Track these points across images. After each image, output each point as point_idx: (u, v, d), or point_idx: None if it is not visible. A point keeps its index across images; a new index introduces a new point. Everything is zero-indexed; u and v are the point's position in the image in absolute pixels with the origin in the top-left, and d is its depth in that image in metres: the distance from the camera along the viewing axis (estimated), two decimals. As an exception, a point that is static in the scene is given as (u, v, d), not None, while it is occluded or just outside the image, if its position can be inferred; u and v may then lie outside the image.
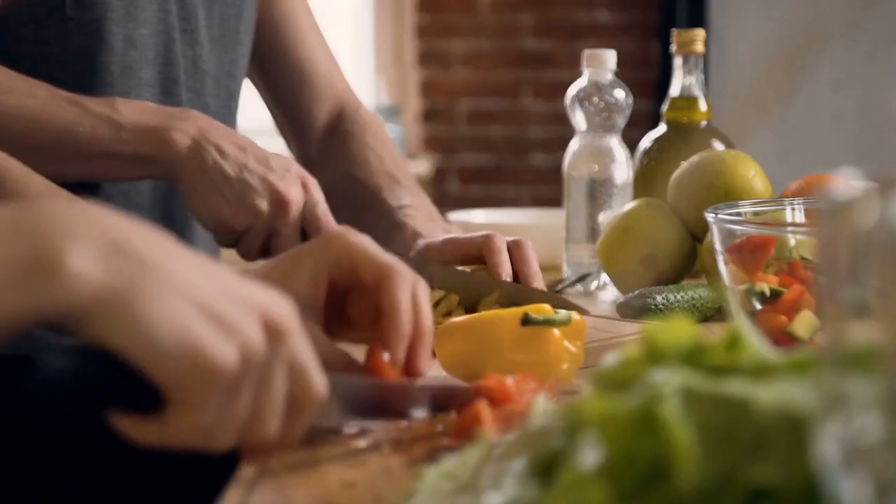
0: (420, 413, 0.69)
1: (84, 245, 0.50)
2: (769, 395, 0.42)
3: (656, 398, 0.42)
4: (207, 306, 0.52)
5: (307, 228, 1.06)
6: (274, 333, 0.54)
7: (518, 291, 1.01)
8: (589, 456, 0.43)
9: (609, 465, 0.42)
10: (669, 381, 0.43)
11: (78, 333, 0.51)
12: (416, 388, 0.69)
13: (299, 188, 1.04)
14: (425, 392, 0.69)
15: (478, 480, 0.52)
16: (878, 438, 0.36)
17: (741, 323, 0.48)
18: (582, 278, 1.27)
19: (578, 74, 1.32)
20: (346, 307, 0.72)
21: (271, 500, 0.57)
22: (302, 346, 0.56)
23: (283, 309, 0.55)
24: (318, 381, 0.57)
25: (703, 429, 0.42)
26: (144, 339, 0.50)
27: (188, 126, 1.02)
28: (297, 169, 1.06)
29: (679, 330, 0.48)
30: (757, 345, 0.47)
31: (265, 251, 1.08)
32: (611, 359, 0.50)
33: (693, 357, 0.47)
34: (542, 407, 0.56)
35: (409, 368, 0.69)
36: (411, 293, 0.69)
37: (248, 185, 1.02)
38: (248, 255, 1.08)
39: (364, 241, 0.70)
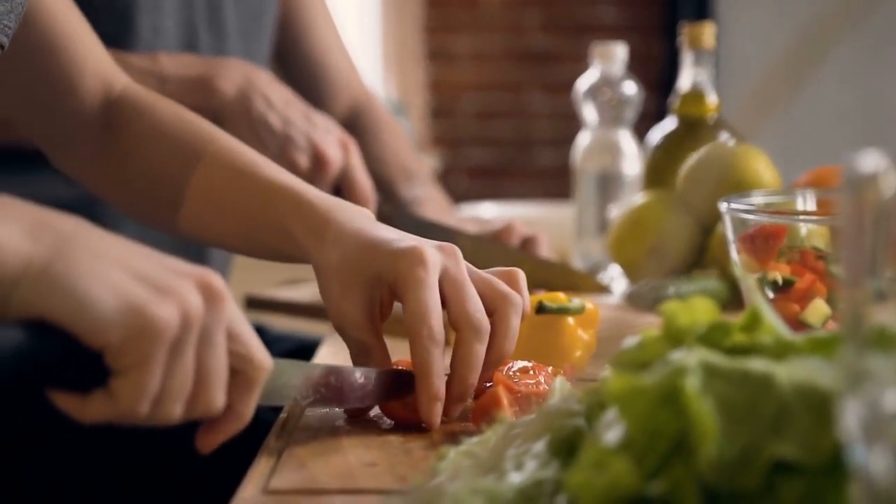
0: (367, 400, 0.67)
1: (7, 222, 0.50)
2: (790, 372, 0.43)
3: (678, 372, 0.42)
4: (140, 272, 0.52)
5: (343, 191, 1.07)
6: (210, 297, 0.54)
7: (544, 267, 1.03)
8: (612, 431, 0.44)
9: (631, 440, 0.43)
10: (691, 357, 0.44)
11: (9, 311, 0.50)
12: (362, 373, 0.67)
13: (339, 149, 1.05)
14: (371, 379, 0.67)
15: (501, 462, 0.52)
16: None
17: (760, 304, 0.48)
18: (592, 271, 1.28)
19: (584, 71, 1.33)
20: None
21: (294, 479, 0.58)
22: (239, 318, 0.56)
23: (216, 279, 0.55)
24: (260, 351, 0.57)
25: (724, 405, 0.42)
26: (81, 304, 0.50)
27: (234, 74, 1.03)
28: (338, 130, 1.07)
29: (698, 310, 0.49)
30: (776, 325, 0.48)
31: None
32: (630, 340, 0.50)
33: (713, 337, 0.48)
34: (560, 389, 0.57)
35: (426, 421, 0.67)
36: (458, 345, 0.67)
37: (290, 139, 1.03)
38: None
39: (418, 283, 0.66)
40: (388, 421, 0.68)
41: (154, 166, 0.82)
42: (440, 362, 0.66)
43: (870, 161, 0.33)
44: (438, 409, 0.66)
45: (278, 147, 1.02)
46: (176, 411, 0.54)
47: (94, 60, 0.83)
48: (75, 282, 0.50)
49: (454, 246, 0.69)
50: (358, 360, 0.69)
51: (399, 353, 0.71)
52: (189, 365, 0.53)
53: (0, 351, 0.50)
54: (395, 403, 0.68)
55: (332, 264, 0.69)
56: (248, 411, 0.57)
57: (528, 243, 1.04)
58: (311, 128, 1.04)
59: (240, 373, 0.56)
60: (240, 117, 1.02)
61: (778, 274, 0.84)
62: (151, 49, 1.08)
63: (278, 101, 1.03)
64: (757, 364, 0.44)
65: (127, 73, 1.01)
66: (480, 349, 0.67)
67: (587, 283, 1.11)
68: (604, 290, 1.13)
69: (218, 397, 0.55)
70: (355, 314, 0.68)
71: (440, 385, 0.66)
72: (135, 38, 1.06)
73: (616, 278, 1.25)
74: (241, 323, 0.56)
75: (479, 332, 0.67)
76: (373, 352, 0.69)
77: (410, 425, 0.67)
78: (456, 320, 0.67)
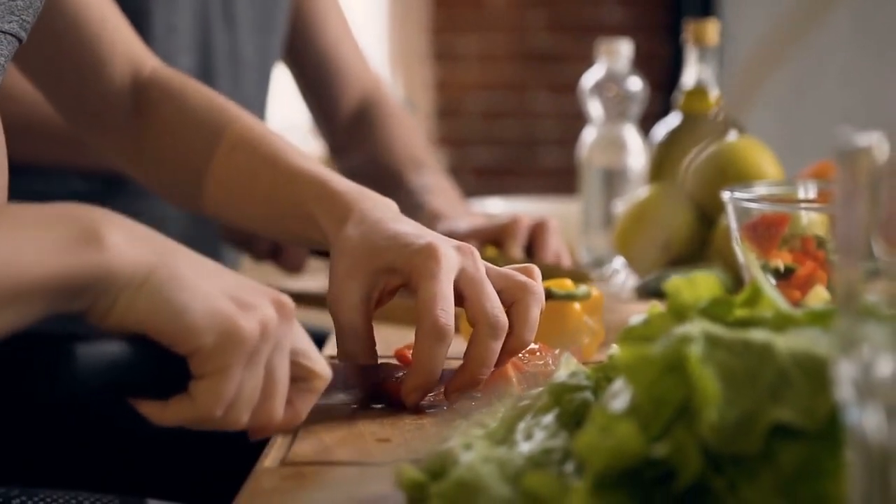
0: (343, 394, 0.69)
1: (117, 229, 0.54)
2: (789, 341, 0.45)
3: (682, 341, 0.44)
4: (227, 287, 0.57)
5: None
6: (283, 313, 0.58)
7: (550, 271, 1.04)
8: (619, 398, 0.46)
9: (637, 406, 0.45)
10: (694, 328, 0.46)
11: (110, 319, 0.54)
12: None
13: None
14: (343, 370, 0.69)
15: (511, 434, 0.55)
16: (888, 374, 0.39)
17: (760, 279, 0.51)
18: (598, 264, 1.30)
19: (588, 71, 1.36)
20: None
21: (311, 453, 0.60)
22: (303, 334, 0.61)
23: (288, 299, 0.59)
24: (322, 364, 0.61)
25: (726, 372, 0.44)
26: (179, 311, 0.54)
27: None
28: None
29: (701, 286, 0.51)
30: (776, 299, 0.50)
31: (274, 252, 1.14)
32: (637, 317, 0.53)
33: (715, 312, 0.50)
34: (567, 364, 0.59)
35: (407, 402, 0.69)
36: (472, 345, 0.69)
37: None
38: (258, 256, 1.14)
39: (434, 283, 0.67)
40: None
41: (181, 148, 0.84)
42: (439, 355, 0.67)
43: (863, 135, 0.35)
44: (421, 396, 0.68)
45: None
46: (244, 418, 0.58)
47: (122, 43, 0.85)
48: (176, 291, 0.54)
49: (471, 246, 0.71)
50: (342, 341, 0.71)
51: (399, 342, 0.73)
52: (261, 374, 0.57)
53: (97, 364, 0.53)
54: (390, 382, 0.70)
55: (348, 246, 0.71)
56: (305, 413, 0.61)
57: (538, 230, 1.06)
58: None
59: (301, 381, 0.61)
60: None
61: (780, 262, 0.86)
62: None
63: None
64: (757, 334, 0.46)
65: None
66: (496, 346, 0.68)
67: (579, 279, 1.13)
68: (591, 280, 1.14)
69: (281, 407, 0.59)
70: (353, 295, 0.70)
71: (431, 378, 0.67)
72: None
73: (621, 271, 1.27)
74: (305, 338, 0.61)
75: (496, 329, 0.68)
76: (359, 335, 0.71)
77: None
78: (474, 317, 0.68)
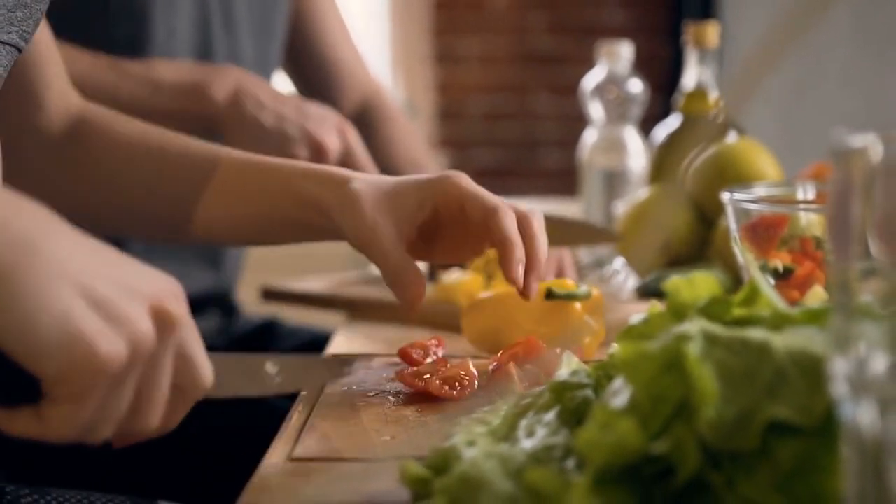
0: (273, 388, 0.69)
1: None
2: (786, 340, 0.46)
3: (681, 340, 0.45)
4: (94, 293, 0.48)
5: None
6: (163, 324, 0.50)
7: (562, 224, 1.06)
8: (619, 396, 0.47)
9: (637, 404, 0.46)
10: (693, 327, 0.47)
11: None
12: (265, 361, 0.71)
13: (335, 135, 1.08)
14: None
15: (513, 431, 0.56)
16: (881, 370, 0.39)
17: (758, 277, 0.51)
18: (598, 264, 1.31)
19: (589, 72, 1.36)
20: (436, 239, 0.78)
21: (316, 449, 0.61)
22: (191, 336, 0.53)
23: (174, 297, 0.51)
24: (206, 370, 0.54)
25: (724, 370, 0.45)
26: (23, 327, 0.46)
27: (225, 80, 1.06)
28: (334, 116, 1.09)
29: (700, 286, 0.52)
30: (773, 298, 0.51)
31: None
32: (637, 316, 0.53)
33: (714, 311, 0.51)
34: (568, 362, 0.60)
35: (522, 291, 0.74)
36: (519, 225, 0.75)
37: (285, 133, 1.05)
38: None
39: (473, 186, 0.75)
40: (404, 398, 0.71)
41: (122, 174, 0.83)
42: (515, 227, 0.74)
43: (858, 135, 0.36)
44: (522, 270, 0.74)
45: (276, 144, 1.05)
46: (107, 433, 0.51)
47: (59, 77, 0.84)
48: (20, 303, 0.46)
49: None
50: (393, 280, 0.74)
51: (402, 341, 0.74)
52: (128, 395, 0.51)
53: None
54: (410, 376, 0.72)
55: (361, 196, 0.74)
56: (175, 423, 0.55)
57: (520, 220, 1.07)
58: (304, 119, 1.06)
59: (179, 389, 0.54)
60: (234, 122, 1.05)
61: (779, 262, 0.86)
62: (166, 50, 1.11)
63: (268, 99, 1.05)
64: (755, 333, 0.47)
65: (123, 80, 1.04)
66: (543, 233, 0.76)
67: (602, 234, 1.15)
68: (610, 237, 1.16)
69: (154, 421, 0.53)
70: (388, 234, 0.73)
71: (521, 249, 0.74)
72: (149, 39, 1.09)
73: (621, 271, 1.27)
74: (194, 342, 0.53)
75: (538, 216, 0.77)
76: (408, 269, 0.74)
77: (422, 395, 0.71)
78: (520, 217, 0.75)
